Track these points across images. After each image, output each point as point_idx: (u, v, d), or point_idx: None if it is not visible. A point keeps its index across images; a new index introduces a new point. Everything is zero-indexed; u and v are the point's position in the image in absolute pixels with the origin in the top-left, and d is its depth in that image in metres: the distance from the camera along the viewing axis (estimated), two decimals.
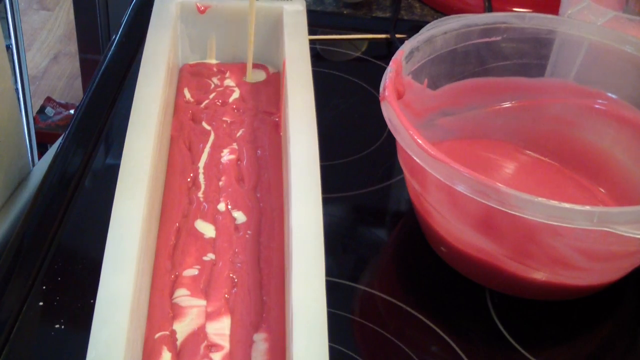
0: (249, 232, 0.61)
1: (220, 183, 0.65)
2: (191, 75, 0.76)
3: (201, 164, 0.67)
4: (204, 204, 0.63)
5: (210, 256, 0.60)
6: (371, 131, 0.81)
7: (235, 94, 0.74)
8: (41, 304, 0.62)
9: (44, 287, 0.63)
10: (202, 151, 0.68)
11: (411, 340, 0.62)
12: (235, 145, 0.69)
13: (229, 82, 0.76)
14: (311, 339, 0.48)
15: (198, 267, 0.59)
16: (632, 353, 0.66)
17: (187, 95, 0.74)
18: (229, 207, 0.63)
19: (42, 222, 0.69)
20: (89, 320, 0.48)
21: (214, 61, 0.79)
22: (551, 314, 0.66)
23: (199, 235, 0.61)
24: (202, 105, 0.73)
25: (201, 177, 0.66)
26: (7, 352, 0.59)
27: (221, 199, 0.64)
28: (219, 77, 0.76)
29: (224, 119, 0.71)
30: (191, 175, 0.66)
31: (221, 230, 0.62)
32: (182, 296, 0.57)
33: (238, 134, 0.70)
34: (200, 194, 0.64)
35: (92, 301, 0.49)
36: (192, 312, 0.56)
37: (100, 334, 0.48)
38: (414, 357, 0.61)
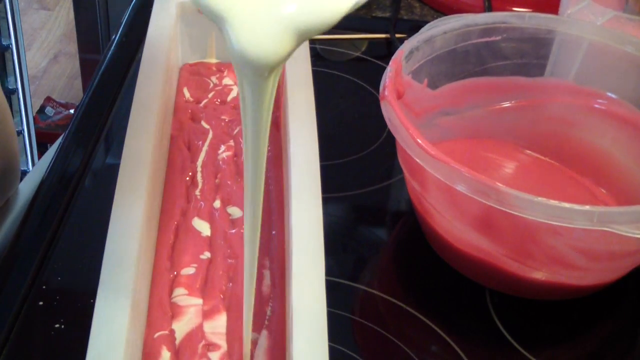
0: (241, 227, 0.61)
1: (217, 180, 0.66)
2: (190, 75, 0.76)
3: (199, 162, 0.67)
4: (201, 202, 0.63)
5: (207, 254, 0.60)
6: (371, 131, 0.81)
7: (234, 93, 0.75)
8: (41, 304, 0.62)
9: (44, 287, 0.63)
10: (201, 149, 0.68)
11: (411, 340, 0.62)
12: (232, 144, 0.69)
13: (227, 80, 0.76)
14: (311, 339, 0.48)
15: (195, 265, 0.59)
16: (632, 353, 0.66)
17: (187, 94, 0.74)
18: (226, 204, 0.63)
19: (42, 222, 0.69)
20: (89, 320, 0.48)
21: (214, 60, 0.79)
22: (551, 314, 0.65)
23: (196, 234, 0.61)
24: (202, 105, 0.73)
25: (199, 175, 0.66)
26: (7, 352, 0.59)
27: (217, 197, 0.64)
28: (217, 76, 0.76)
29: (223, 117, 0.71)
30: (190, 173, 0.66)
31: (218, 227, 0.62)
32: (180, 295, 0.57)
33: (236, 131, 0.70)
34: (197, 192, 0.64)
35: (92, 301, 0.49)
36: (190, 311, 0.56)
37: (100, 334, 0.48)
38: (414, 357, 0.61)
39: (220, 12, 0.39)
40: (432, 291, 0.67)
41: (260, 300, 0.57)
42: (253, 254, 0.48)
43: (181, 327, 0.55)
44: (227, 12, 0.39)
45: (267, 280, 0.58)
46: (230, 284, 0.58)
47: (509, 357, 0.62)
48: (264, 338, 0.54)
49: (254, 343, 0.54)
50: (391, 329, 0.63)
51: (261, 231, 0.61)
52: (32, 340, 0.60)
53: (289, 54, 0.40)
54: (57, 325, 0.60)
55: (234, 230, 0.62)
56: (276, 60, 0.39)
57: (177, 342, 0.54)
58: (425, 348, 0.63)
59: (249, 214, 0.47)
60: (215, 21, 0.40)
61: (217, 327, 0.55)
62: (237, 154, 0.68)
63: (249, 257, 0.48)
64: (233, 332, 0.55)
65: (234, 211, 0.63)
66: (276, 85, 0.42)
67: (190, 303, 0.56)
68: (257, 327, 0.55)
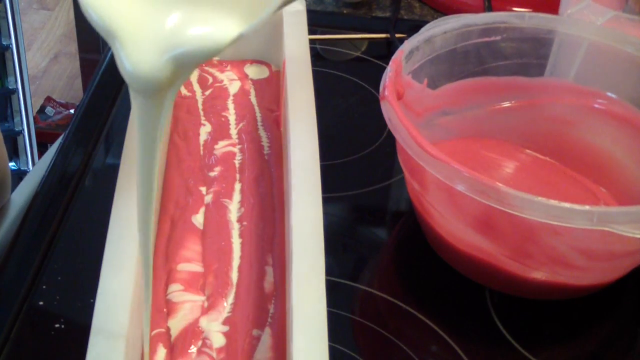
0: (244, 223, 0.61)
1: (214, 173, 0.65)
2: None
3: (198, 158, 0.67)
4: (196, 197, 0.63)
5: (201, 249, 0.60)
6: (371, 131, 0.81)
7: (235, 89, 0.74)
8: (41, 303, 0.62)
9: (44, 287, 0.63)
10: (200, 146, 0.68)
11: (411, 340, 0.62)
12: (235, 139, 0.69)
13: (230, 75, 0.76)
14: (311, 339, 0.48)
15: (190, 260, 0.59)
16: (632, 353, 0.66)
17: (183, 90, 0.73)
18: (221, 198, 0.63)
19: (42, 222, 0.69)
20: (89, 320, 0.48)
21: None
22: (551, 314, 0.66)
23: (190, 229, 0.61)
24: (201, 100, 0.73)
25: (197, 171, 0.66)
26: (7, 352, 0.59)
27: (212, 191, 0.64)
28: (218, 71, 0.76)
29: (223, 114, 0.71)
30: (187, 170, 0.66)
31: (212, 222, 0.62)
32: (176, 291, 0.57)
33: (237, 128, 0.70)
34: (192, 187, 0.64)
35: (92, 301, 0.49)
36: (184, 307, 0.56)
37: (100, 333, 0.48)
38: (414, 357, 0.61)
39: (111, 30, 0.40)
40: (432, 291, 0.67)
41: (263, 298, 0.57)
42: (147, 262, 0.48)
43: (176, 324, 0.55)
44: (118, 30, 0.39)
45: (269, 277, 0.58)
46: (232, 283, 0.57)
47: (509, 357, 0.62)
48: (267, 335, 0.54)
49: (257, 339, 0.54)
50: (391, 329, 0.63)
51: (264, 228, 0.61)
52: (32, 340, 0.60)
53: (171, 80, 0.39)
54: (57, 325, 0.60)
55: (229, 225, 0.61)
56: (156, 83, 0.39)
57: (172, 338, 0.54)
58: (425, 348, 0.63)
59: (140, 220, 0.47)
60: (106, 37, 0.40)
61: (213, 321, 0.55)
62: (240, 151, 0.68)
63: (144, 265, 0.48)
64: (234, 329, 0.55)
65: (236, 209, 0.63)
66: (165, 111, 0.42)
67: (185, 299, 0.56)
68: (259, 325, 0.55)
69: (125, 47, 0.39)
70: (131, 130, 0.61)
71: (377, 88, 0.65)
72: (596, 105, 0.73)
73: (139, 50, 0.39)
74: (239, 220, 0.62)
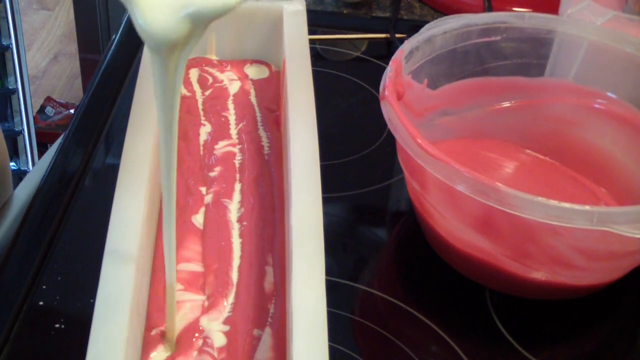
0: (244, 223, 0.61)
1: (215, 174, 0.65)
2: (188, 69, 0.76)
3: (198, 158, 0.67)
4: (196, 196, 0.63)
5: (202, 249, 0.60)
6: (371, 131, 0.81)
7: (235, 89, 0.74)
8: (41, 303, 0.62)
9: (44, 287, 0.63)
10: (200, 145, 0.68)
11: (411, 340, 0.62)
12: (235, 139, 0.69)
13: (230, 75, 0.76)
14: (311, 339, 0.48)
15: (190, 260, 0.59)
16: (632, 353, 0.66)
17: (183, 90, 0.73)
18: (225, 200, 0.63)
19: (42, 222, 0.69)
20: (89, 320, 0.49)
21: (214, 57, 0.79)
22: (551, 314, 0.66)
23: (190, 228, 0.61)
24: (201, 100, 0.73)
25: (197, 171, 0.66)
26: (7, 352, 0.59)
27: (212, 191, 0.64)
28: (218, 71, 0.76)
29: (223, 114, 0.71)
30: (187, 170, 0.66)
31: (213, 222, 0.62)
32: (176, 291, 0.57)
33: (237, 128, 0.70)
34: (192, 187, 0.64)
35: (92, 301, 0.49)
36: (185, 306, 0.56)
37: (100, 333, 0.48)
38: (414, 357, 0.61)
39: None
40: (432, 291, 0.67)
41: (263, 298, 0.57)
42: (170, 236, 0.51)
43: (177, 323, 0.55)
44: None
45: (269, 277, 0.58)
46: (233, 283, 0.57)
47: (509, 357, 0.62)
48: (267, 335, 0.54)
49: (258, 339, 0.54)
50: (391, 329, 0.63)
51: (265, 229, 0.61)
52: (32, 340, 0.60)
53: (184, 36, 0.42)
54: (57, 325, 0.60)
55: (229, 225, 0.61)
56: (170, 40, 0.42)
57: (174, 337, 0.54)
58: (425, 348, 0.63)
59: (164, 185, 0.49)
60: (123, 1, 0.43)
61: (213, 320, 0.55)
62: (240, 151, 0.68)
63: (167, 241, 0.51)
64: (235, 328, 0.55)
65: (236, 209, 0.63)
66: (179, 69, 0.45)
67: (185, 299, 0.56)
68: (260, 324, 0.55)
69: (140, 8, 0.42)
70: (131, 130, 0.62)
71: (377, 88, 0.65)
72: (596, 105, 0.73)
73: (153, 10, 0.42)
74: (239, 220, 0.62)
